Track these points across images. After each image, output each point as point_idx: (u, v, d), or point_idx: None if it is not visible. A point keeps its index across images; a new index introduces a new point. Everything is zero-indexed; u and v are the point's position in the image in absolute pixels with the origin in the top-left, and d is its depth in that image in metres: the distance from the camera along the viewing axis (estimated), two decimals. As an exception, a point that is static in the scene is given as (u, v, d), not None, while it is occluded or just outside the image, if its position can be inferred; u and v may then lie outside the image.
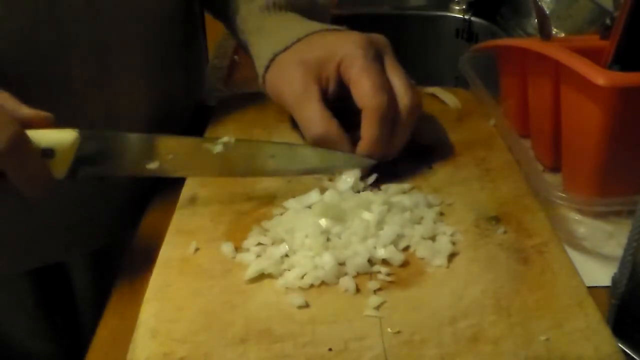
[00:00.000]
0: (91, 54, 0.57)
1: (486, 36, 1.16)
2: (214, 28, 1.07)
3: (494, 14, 1.17)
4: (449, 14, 1.23)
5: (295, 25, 0.61)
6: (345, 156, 0.53)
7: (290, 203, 0.51)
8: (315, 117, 0.54)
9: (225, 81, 0.92)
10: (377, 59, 0.55)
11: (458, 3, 1.21)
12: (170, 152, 0.49)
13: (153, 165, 0.49)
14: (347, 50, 0.54)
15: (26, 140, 0.43)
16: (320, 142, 0.54)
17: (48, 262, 0.67)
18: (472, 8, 1.20)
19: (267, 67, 0.59)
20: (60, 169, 0.46)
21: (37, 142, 0.44)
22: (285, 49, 0.58)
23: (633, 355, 0.43)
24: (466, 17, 1.20)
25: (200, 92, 0.78)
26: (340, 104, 0.55)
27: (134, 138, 0.49)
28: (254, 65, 0.63)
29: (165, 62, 0.66)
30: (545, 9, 0.93)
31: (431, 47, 1.25)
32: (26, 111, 0.44)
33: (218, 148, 0.50)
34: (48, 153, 0.45)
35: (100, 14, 0.56)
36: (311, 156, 0.53)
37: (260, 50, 0.61)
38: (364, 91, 0.52)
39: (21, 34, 0.52)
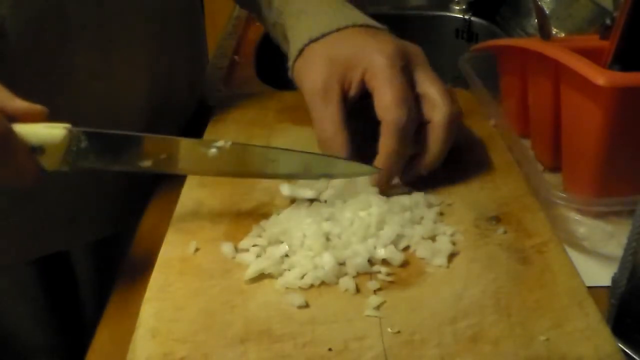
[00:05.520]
0: (95, 45, 0.57)
1: (486, 36, 1.16)
2: (214, 28, 1.07)
3: (494, 14, 1.17)
4: (449, 14, 1.23)
5: (337, 12, 0.59)
6: (348, 164, 0.52)
7: (285, 189, 0.51)
8: (327, 120, 0.53)
9: (225, 81, 0.92)
10: (405, 70, 0.53)
11: (458, 3, 1.21)
12: (164, 151, 0.48)
13: (146, 163, 0.48)
14: (374, 59, 0.53)
15: (13, 139, 0.42)
16: (324, 146, 0.53)
17: (52, 251, 0.67)
18: (472, 8, 1.20)
19: (301, 52, 0.58)
20: (51, 163, 0.45)
21: (27, 138, 0.43)
22: (323, 36, 0.57)
23: (633, 355, 0.43)
24: (466, 17, 1.20)
25: (201, 89, 0.79)
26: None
27: (126, 137, 0.48)
28: (288, 49, 0.61)
29: (166, 57, 0.66)
30: (545, 9, 0.93)
31: (431, 47, 1.24)
32: (19, 104, 0.43)
33: (212, 152, 0.49)
34: (38, 150, 0.44)
35: (106, 6, 0.57)
36: (312, 161, 0.51)
37: (297, 34, 0.60)
38: (384, 103, 0.51)
39: (29, 25, 0.52)
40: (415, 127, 0.52)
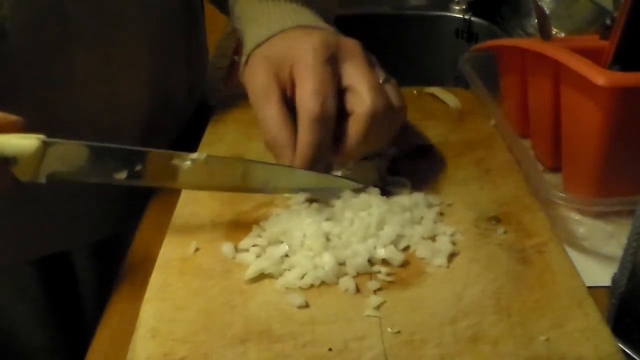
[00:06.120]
0: (95, 46, 0.57)
1: (486, 36, 1.16)
2: (213, 28, 1.07)
3: (494, 14, 1.17)
4: (449, 14, 1.23)
5: (286, 16, 0.58)
6: (325, 177, 0.51)
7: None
8: (269, 119, 0.52)
9: (225, 81, 0.92)
10: (330, 61, 0.52)
11: (458, 3, 1.21)
12: (139, 164, 0.48)
13: (120, 175, 0.48)
14: (300, 52, 0.52)
15: None
16: (270, 146, 0.52)
17: (53, 251, 0.67)
18: (472, 8, 1.20)
19: (248, 57, 0.57)
20: (24, 174, 0.45)
21: None
22: (267, 39, 0.56)
23: (633, 355, 0.43)
24: (466, 17, 1.20)
25: (202, 89, 0.79)
26: None
27: (100, 148, 0.47)
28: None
29: (166, 57, 0.66)
30: (545, 9, 0.93)
31: (431, 47, 1.24)
32: None
33: (186, 164, 0.48)
34: (11, 160, 0.44)
35: (106, 6, 0.57)
36: (300, 177, 0.50)
37: (247, 40, 0.59)
38: (299, 94, 0.50)
39: (30, 26, 0.53)
40: (334, 119, 0.50)
